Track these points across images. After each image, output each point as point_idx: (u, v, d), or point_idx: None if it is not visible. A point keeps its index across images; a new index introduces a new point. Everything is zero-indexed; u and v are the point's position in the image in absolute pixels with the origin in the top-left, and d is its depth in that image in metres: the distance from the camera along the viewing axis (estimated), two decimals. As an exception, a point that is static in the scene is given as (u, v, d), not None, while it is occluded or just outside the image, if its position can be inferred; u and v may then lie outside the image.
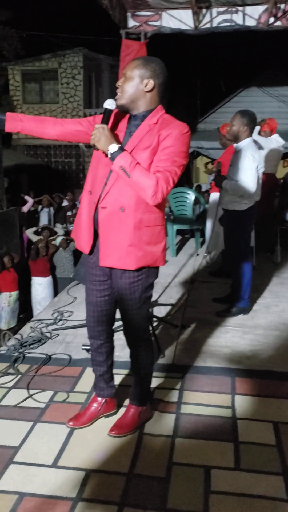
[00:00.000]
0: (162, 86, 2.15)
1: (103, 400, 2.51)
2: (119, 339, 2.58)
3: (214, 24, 6.44)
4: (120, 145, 2.07)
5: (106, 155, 2.08)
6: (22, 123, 2.22)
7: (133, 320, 2.29)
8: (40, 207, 10.37)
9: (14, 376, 2.98)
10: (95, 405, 2.50)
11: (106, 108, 2.11)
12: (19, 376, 2.99)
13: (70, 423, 2.44)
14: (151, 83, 2.11)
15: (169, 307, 4.25)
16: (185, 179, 16.74)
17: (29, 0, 17.29)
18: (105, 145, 2.05)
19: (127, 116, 2.20)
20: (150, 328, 3.43)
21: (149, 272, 2.24)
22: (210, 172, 4.84)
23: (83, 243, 2.27)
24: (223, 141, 5.20)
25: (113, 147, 2.04)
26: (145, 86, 2.11)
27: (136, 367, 2.43)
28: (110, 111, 2.12)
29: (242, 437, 2.39)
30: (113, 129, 2.17)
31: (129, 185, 2.06)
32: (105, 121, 2.11)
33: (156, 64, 2.13)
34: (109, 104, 2.11)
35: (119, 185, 2.10)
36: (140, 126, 2.13)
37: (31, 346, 3.41)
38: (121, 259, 2.14)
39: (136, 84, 2.11)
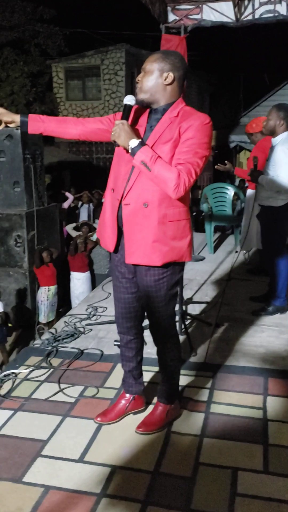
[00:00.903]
0: (182, 79, 2.11)
1: (131, 397, 2.50)
2: (150, 335, 2.56)
3: (257, 16, 6.26)
4: (140, 140, 2.04)
5: (127, 151, 2.06)
6: (44, 124, 2.24)
7: (159, 317, 2.27)
8: (80, 203, 10.50)
9: (46, 370, 3.03)
10: (123, 401, 2.50)
11: (125, 104, 2.09)
12: (51, 370, 3.04)
13: (98, 418, 2.45)
14: (170, 76, 2.08)
15: (204, 305, 4.20)
16: (227, 174, 16.53)
17: (72, -2, 17.45)
18: (125, 141, 2.03)
19: (148, 110, 2.17)
20: (183, 326, 3.41)
21: (175, 268, 2.21)
22: (222, 169, 4.66)
23: (108, 241, 2.26)
24: (251, 139, 5.10)
25: (134, 142, 2.02)
26: (165, 79, 2.08)
27: (163, 365, 2.42)
28: (130, 106, 2.10)
29: (272, 440, 2.33)
30: (133, 124, 2.15)
31: (150, 179, 2.04)
32: (125, 117, 2.09)
33: (175, 57, 2.10)
34: (129, 100, 2.09)
35: (142, 180, 2.08)
36: (161, 119, 2.10)
37: (65, 340, 3.45)
38: (146, 256, 2.12)
39: (155, 77, 2.08)
